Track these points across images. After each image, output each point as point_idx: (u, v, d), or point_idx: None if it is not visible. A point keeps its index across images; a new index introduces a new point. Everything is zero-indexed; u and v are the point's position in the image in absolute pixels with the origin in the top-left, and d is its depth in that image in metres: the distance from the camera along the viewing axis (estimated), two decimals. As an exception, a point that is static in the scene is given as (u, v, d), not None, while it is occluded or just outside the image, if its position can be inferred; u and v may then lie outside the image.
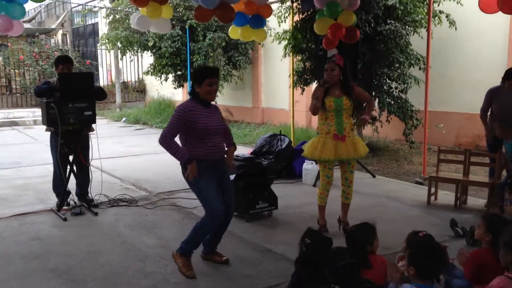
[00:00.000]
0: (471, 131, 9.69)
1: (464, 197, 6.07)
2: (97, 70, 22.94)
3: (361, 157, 5.27)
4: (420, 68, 8.82)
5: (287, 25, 10.16)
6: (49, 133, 6.11)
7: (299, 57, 9.75)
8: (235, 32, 7.39)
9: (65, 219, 5.71)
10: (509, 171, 5.65)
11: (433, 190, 6.24)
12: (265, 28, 7.64)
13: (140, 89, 21.56)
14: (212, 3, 5.18)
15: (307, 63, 9.67)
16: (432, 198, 6.22)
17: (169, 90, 17.57)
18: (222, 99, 14.62)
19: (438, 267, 2.93)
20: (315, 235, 3.28)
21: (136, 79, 21.75)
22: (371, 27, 8.33)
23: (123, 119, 17.05)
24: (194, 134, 4.06)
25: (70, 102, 5.79)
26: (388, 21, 8.31)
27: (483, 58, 9.36)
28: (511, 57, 8.78)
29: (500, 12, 4.88)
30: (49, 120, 5.77)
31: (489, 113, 6.24)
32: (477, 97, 9.74)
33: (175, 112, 4.09)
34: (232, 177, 5.01)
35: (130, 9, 13.94)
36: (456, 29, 8.90)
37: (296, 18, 9.48)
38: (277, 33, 10.27)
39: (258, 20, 6.80)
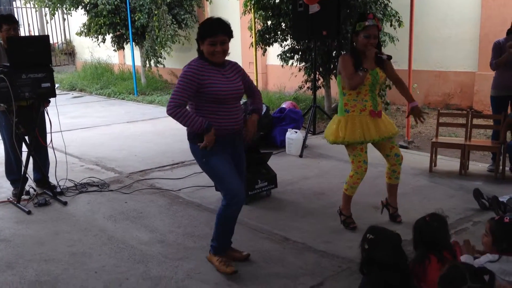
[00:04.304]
0: (440, 90, 9.45)
1: (467, 163, 5.75)
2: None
3: (397, 133, 4.45)
4: (391, 25, 8.36)
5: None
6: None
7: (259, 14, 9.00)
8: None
9: (29, 212, 4.81)
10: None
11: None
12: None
13: (69, 51, 19.83)
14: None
15: (269, 21, 8.98)
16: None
17: (105, 53, 16.18)
18: (168, 61, 13.58)
19: None
20: (380, 231, 2.70)
21: (63, 40, 19.96)
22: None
23: (56, 85, 15.50)
24: (203, 100, 3.38)
25: (23, 73, 4.81)
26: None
27: (453, 12, 9.01)
28: (485, 11, 8.47)
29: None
30: (-1, 95, 4.75)
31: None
32: (446, 54, 9.52)
33: (181, 75, 3.36)
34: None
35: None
36: (425, -17, 8.48)
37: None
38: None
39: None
